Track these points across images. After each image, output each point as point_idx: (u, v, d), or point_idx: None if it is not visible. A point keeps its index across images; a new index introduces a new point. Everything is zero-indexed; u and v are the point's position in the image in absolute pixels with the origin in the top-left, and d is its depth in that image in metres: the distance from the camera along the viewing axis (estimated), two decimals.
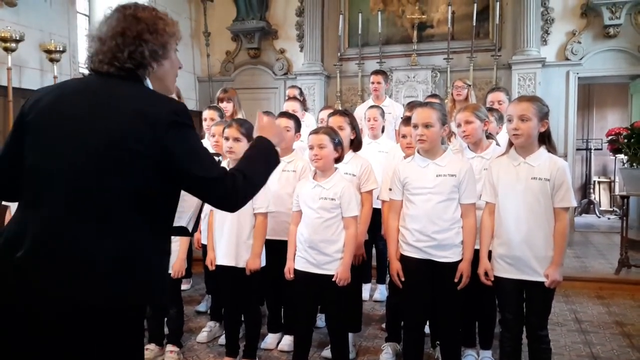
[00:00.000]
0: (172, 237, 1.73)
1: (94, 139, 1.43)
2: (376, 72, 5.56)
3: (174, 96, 4.90)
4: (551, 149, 2.70)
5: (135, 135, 1.44)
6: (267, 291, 3.58)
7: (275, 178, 3.42)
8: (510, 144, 2.74)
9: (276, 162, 1.82)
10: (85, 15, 7.16)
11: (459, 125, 3.23)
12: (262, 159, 1.77)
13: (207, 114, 4.38)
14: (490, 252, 2.77)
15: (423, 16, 7.71)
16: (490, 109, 3.82)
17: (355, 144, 3.56)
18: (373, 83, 5.41)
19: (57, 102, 1.52)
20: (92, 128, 1.44)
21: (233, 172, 1.61)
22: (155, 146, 1.45)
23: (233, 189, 1.58)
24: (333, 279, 2.98)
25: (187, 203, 1.74)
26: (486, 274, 2.76)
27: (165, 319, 3.41)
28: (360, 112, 5.00)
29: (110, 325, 1.43)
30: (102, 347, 1.43)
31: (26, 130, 1.51)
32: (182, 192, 1.64)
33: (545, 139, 2.68)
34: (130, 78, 1.54)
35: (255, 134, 1.88)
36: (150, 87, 1.60)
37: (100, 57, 1.54)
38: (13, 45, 4.95)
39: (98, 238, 1.41)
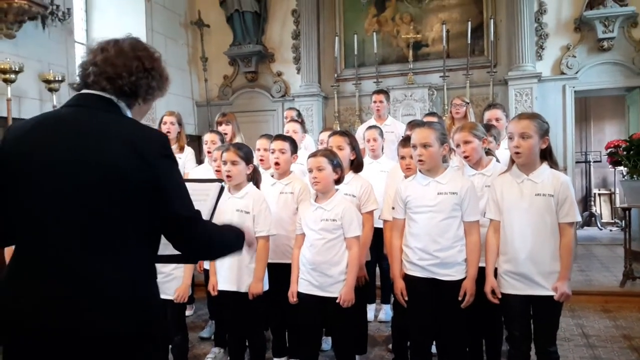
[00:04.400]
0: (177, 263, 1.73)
1: (89, 174, 1.42)
2: (378, 92, 5.57)
3: (175, 122, 4.93)
4: (553, 164, 2.71)
5: (129, 167, 1.44)
6: (271, 315, 3.55)
7: (274, 200, 3.42)
8: (512, 161, 2.75)
9: (239, 249, 1.81)
10: (83, 44, 7.22)
11: (457, 146, 3.23)
12: (233, 237, 1.78)
13: (208, 137, 4.40)
14: (495, 270, 2.76)
15: (418, 35, 7.80)
16: (488, 127, 3.83)
17: (356, 165, 3.56)
18: (375, 102, 5.41)
19: (41, 139, 1.47)
20: (85, 162, 1.43)
21: (210, 223, 1.64)
22: (148, 178, 1.46)
23: (204, 234, 1.60)
24: (337, 301, 2.96)
25: None
26: (493, 291, 2.74)
27: (170, 346, 3.37)
28: (361, 132, 5.00)
29: (129, 356, 1.46)
30: None
31: (9, 173, 1.47)
32: None
33: (546, 155, 2.69)
34: (110, 108, 1.53)
35: None
36: (130, 116, 1.60)
37: (107, 69, 1.52)
38: (12, 76, 4.98)
39: (107, 270, 1.43)
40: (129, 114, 1.58)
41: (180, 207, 1.53)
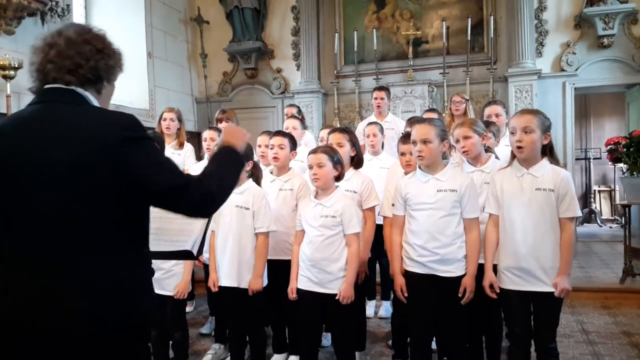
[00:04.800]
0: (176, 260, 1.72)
1: (58, 172, 1.41)
2: (380, 89, 5.56)
3: (175, 118, 4.94)
4: (554, 161, 2.70)
5: (94, 161, 1.41)
6: (271, 311, 3.56)
7: (273, 197, 3.42)
8: (513, 157, 2.75)
9: (241, 163, 1.80)
10: None
11: (457, 141, 3.23)
12: (227, 161, 1.72)
13: (207, 134, 4.41)
14: (495, 265, 2.76)
15: (418, 32, 7.79)
16: (488, 123, 3.83)
17: (356, 162, 3.56)
18: (376, 99, 5.40)
19: (7, 140, 1.47)
20: (53, 160, 1.41)
21: (201, 176, 1.58)
22: (116, 167, 1.42)
23: (206, 192, 1.54)
24: (336, 298, 2.96)
25: (192, 226, 1.74)
26: (491, 286, 2.74)
27: (170, 342, 3.38)
28: (361, 129, 5.00)
29: (117, 351, 1.44)
30: None
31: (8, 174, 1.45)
32: (186, 218, 1.63)
33: (547, 152, 2.69)
34: (74, 100, 1.51)
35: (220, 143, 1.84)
36: (97, 104, 1.57)
37: (63, 63, 1.50)
38: (12, 72, 4.97)
39: (87, 269, 1.41)
40: (95, 101, 1.56)
41: (165, 180, 1.48)
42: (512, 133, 2.70)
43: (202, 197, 1.54)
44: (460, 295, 2.82)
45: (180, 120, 5.04)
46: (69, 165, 1.41)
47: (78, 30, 1.55)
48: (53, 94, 1.51)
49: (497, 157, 3.34)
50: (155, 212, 1.58)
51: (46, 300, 1.38)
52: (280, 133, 3.65)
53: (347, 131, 3.64)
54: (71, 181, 1.41)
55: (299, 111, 5.86)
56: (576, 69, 7.29)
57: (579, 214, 2.67)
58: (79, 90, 1.52)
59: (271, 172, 3.58)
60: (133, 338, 1.50)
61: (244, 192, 3.20)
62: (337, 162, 3.08)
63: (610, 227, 9.29)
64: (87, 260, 1.41)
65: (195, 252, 1.80)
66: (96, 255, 1.42)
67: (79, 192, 1.41)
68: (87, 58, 1.52)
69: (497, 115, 4.31)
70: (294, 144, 3.60)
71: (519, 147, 2.65)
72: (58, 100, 1.50)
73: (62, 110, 1.48)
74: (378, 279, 4.57)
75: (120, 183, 1.44)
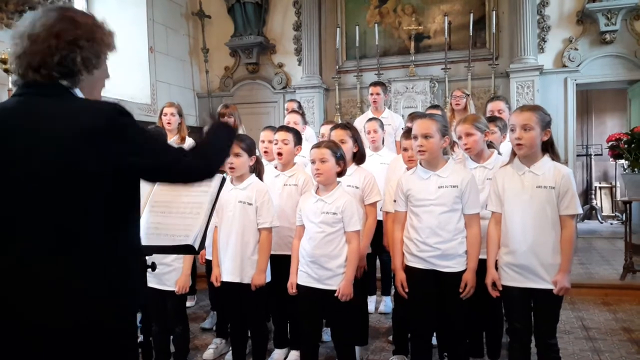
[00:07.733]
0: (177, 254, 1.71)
1: (42, 169, 1.36)
2: (375, 84, 5.55)
3: (175, 113, 4.90)
4: (555, 157, 2.70)
5: (81, 155, 1.37)
6: (273, 306, 3.56)
7: (277, 192, 3.43)
8: (514, 154, 2.75)
9: (233, 132, 1.80)
10: None
11: (459, 138, 3.23)
12: (220, 133, 1.73)
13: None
14: (496, 261, 2.76)
15: (420, 27, 7.77)
16: (494, 118, 3.82)
17: (358, 157, 3.56)
18: (372, 94, 5.41)
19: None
20: (36, 157, 1.37)
21: (193, 150, 1.60)
22: (105, 158, 1.39)
23: (199, 161, 1.57)
24: (335, 294, 2.96)
25: (193, 220, 1.74)
26: (494, 284, 2.75)
27: (171, 337, 3.39)
28: (359, 125, 4.98)
29: (103, 347, 1.42)
30: None
31: None
32: (187, 213, 1.63)
33: (548, 148, 2.69)
34: (57, 92, 1.44)
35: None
36: (80, 94, 1.50)
37: (28, 60, 1.42)
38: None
39: (71, 268, 1.37)
40: (77, 91, 1.49)
41: (157, 159, 1.48)
42: (511, 130, 2.70)
43: (195, 166, 1.56)
44: (461, 290, 2.82)
45: (180, 114, 5.05)
46: (56, 161, 1.36)
47: (50, 22, 1.43)
48: (32, 87, 1.45)
49: (499, 153, 3.34)
50: (156, 207, 1.57)
51: (24, 291, 1.35)
52: (284, 128, 3.64)
53: (349, 127, 3.62)
54: (59, 177, 1.36)
55: (300, 106, 5.85)
56: (578, 65, 7.27)
57: (580, 211, 2.67)
58: (60, 82, 1.45)
59: (275, 167, 3.58)
60: (116, 330, 1.46)
61: (246, 188, 3.20)
62: (340, 158, 3.07)
63: (611, 224, 9.29)
64: (65, 260, 1.37)
65: (197, 246, 1.81)
66: (76, 254, 1.38)
67: (65, 188, 1.37)
68: (51, 54, 1.41)
69: (499, 112, 4.29)
70: (298, 139, 3.59)
71: (518, 145, 2.65)
72: (38, 93, 1.44)
73: (42, 104, 1.42)
74: (378, 275, 4.58)
75: (112, 172, 1.40)
